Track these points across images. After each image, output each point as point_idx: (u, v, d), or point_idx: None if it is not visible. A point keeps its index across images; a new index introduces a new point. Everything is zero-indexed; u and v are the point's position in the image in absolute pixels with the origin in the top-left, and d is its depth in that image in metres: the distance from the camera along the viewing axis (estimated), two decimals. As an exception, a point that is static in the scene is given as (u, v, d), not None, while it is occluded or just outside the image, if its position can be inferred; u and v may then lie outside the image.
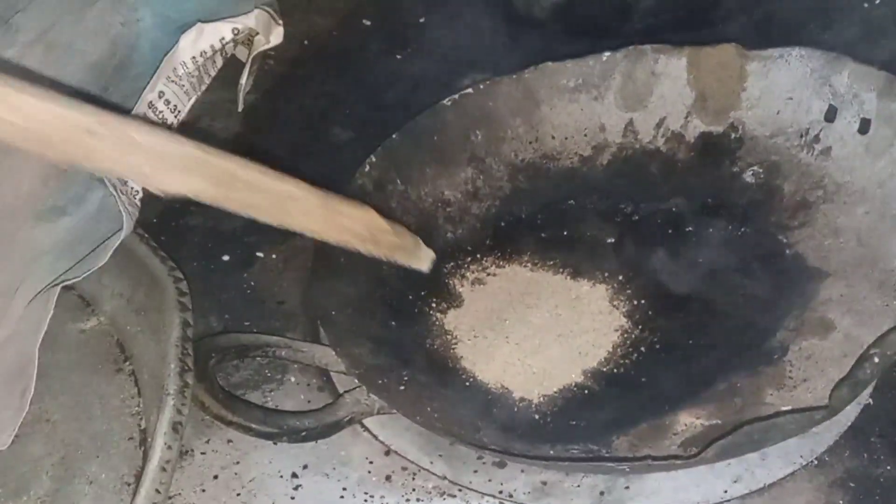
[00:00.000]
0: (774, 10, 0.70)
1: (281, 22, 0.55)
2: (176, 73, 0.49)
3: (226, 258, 0.59)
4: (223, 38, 0.51)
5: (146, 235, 0.50)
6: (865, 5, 0.71)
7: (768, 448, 0.47)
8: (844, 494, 0.45)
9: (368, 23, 0.76)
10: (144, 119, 0.35)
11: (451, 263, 0.58)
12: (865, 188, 0.53)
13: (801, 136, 0.56)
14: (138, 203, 0.49)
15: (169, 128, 0.47)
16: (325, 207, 0.41)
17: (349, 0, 0.77)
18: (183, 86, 0.50)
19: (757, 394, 0.48)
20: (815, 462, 0.47)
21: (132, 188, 0.49)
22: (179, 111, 0.50)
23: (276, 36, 0.54)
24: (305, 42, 0.74)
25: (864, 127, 0.54)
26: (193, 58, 0.50)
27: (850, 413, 0.48)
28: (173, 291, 0.46)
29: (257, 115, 0.68)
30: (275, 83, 0.71)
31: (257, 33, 0.53)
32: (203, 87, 0.52)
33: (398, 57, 0.73)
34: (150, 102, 0.48)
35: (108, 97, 0.52)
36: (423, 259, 0.48)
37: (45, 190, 0.51)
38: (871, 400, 0.49)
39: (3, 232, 0.50)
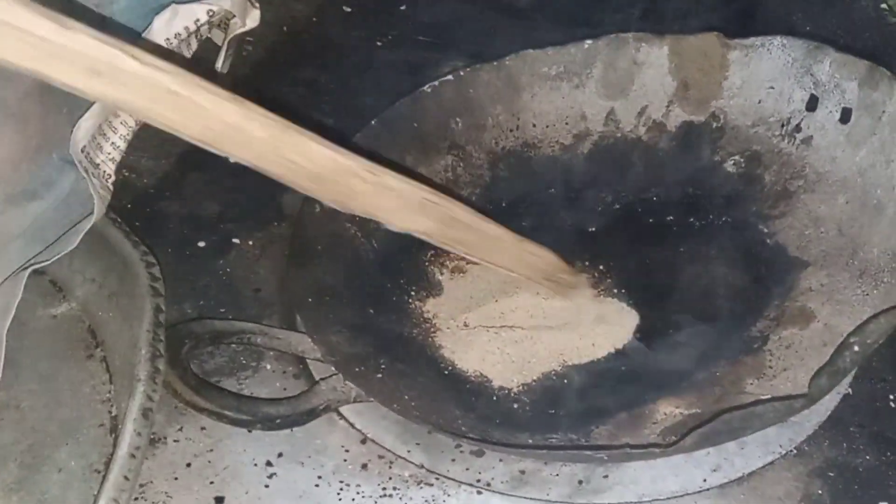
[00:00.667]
0: (758, 1, 0.70)
1: (257, 5, 0.54)
2: (151, 53, 0.48)
3: (201, 244, 0.58)
4: (198, 20, 0.50)
5: (119, 220, 0.49)
6: (847, -3, 0.71)
7: (747, 437, 0.46)
8: (823, 484, 0.45)
9: (349, 9, 0.75)
10: (397, 171, 0.41)
11: (431, 251, 0.57)
12: (846, 177, 0.53)
13: (783, 126, 0.56)
14: (110, 187, 0.48)
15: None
16: (519, 248, 0.49)
17: (329, -13, 0.77)
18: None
19: (737, 383, 0.48)
20: (795, 451, 0.46)
21: (104, 171, 0.48)
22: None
23: (253, 19, 0.53)
24: (284, 28, 0.73)
25: (846, 116, 0.53)
26: (167, 39, 0.49)
27: (829, 402, 0.48)
28: (146, 276, 0.45)
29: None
30: (253, 69, 0.70)
31: (233, 16, 0.52)
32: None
33: (378, 44, 0.72)
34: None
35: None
36: (585, 295, 0.53)
37: (17, 174, 0.50)
38: (850, 390, 0.49)
39: (-27, 217, 0.49)
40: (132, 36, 0.49)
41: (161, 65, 0.34)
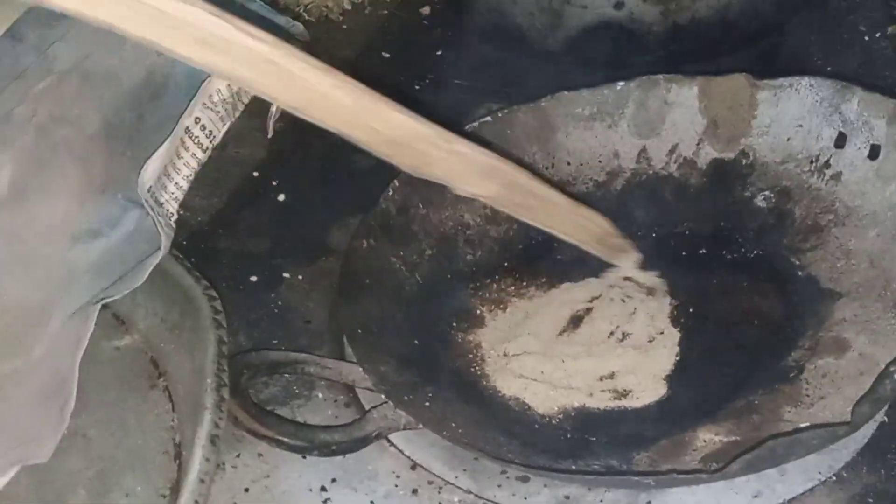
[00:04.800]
0: (780, 43, 0.71)
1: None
2: (211, 99, 0.49)
3: (253, 279, 0.58)
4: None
5: (180, 256, 0.50)
6: (866, 38, 0.72)
7: (787, 464, 0.46)
8: (863, 509, 0.45)
9: (387, 55, 0.76)
10: (465, 135, 0.43)
11: (472, 285, 0.57)
12: (876, 211, 0.53)
13: (812, 162, 0.56)
14: (173, 225, 0.49)
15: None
16: (574, 213, 0.49)
17: (369, 33, 0.77)
18: (218, 112, 0.49)
19: (775, 411, 0.47)
20: (834, 478, 0.46)
21: (168, 210, 0.48)
22: (215, 136, 0.50)
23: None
24: (326, 73, 0.74)
25: (874, 153, 0.53)
26: (228, 84, 0.50)
27: (866, 430, 0.47)
28: (208, 309, 0.46)
29: (281, 142, 0.68)
30: (298, 111, 0.70)
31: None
32: (237, 114, 0.51)
33: (416, 87, 0.73)
34: (187, 128, 0.48)
35: (144, 124, 0.52)
36: (631, 261, 0.55)
37: (81, 212, 0.51)
38: (885, 418, 0.48)
39: (39, 254, 0.50)
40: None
41: (262, 35, 0.35)
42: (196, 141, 0.48)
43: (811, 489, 0.46)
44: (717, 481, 0.45)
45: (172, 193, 0.48)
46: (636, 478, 0.45)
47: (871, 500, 0.45)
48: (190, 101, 0.48)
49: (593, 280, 0.57)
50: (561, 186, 0.49)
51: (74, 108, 0.52)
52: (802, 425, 0.44)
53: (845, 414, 0.41)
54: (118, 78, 0.52)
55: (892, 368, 0.40)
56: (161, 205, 0.48)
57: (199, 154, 0.48)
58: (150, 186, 0.46)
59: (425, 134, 0.40)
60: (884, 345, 0.47)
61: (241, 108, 0.51)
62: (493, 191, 0.44)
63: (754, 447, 0.41)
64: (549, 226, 0.49)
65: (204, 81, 0.48)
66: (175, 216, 0.49)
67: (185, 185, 0.48)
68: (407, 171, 0.42)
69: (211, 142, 0.49)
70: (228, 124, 0.51)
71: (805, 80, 0.56)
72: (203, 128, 0.49)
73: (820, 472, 0.46)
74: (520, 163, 0.59)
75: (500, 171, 0.44)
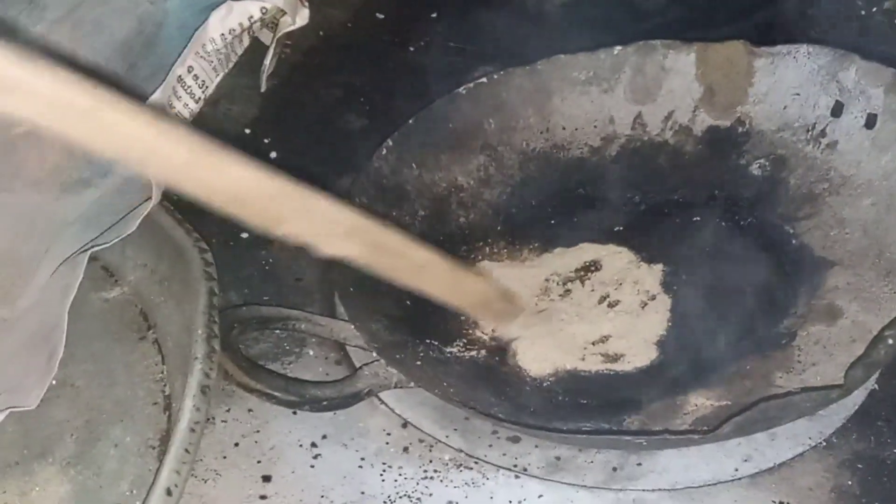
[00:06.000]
0: (778, 15, 0.70)
1: (307, 4, 0.54)
2: (205, 49, 0.48)
3: (245, 236, 0.58)
4: (251, 17, 0.49)
5: (171, 207, 0.49)
6: (862, 13, 0.71)
7: (777, 430, 0.46)
8: (852, 475, 0.45)
9: (382, 16, 0.75)
10: (322, 192, 0.38)
11: (464, 247, 0.57)
12: (871, 181, 0.52)
13: (808, 131, 0.56)
14: (164, 176, 0.48)
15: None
16: (452, 275, 0.45)
17: (363, -6, 0.77)
18: (211, 62, 0.48)
19: (766, 377, 0.47)
20: (824, 444, 0.46)
21: (159, 161, 0.48)
22: (207, 86, 0.49)
23: (302, 17, 0.53)
24: (321, 33, 0.73)
25: (871, 122, 0.53)
26: (222, 35, 0.49)
27: (856, 397, 0.47)
28: (199, 261, 0.45)
29: (274, 101, 0.67)
30: (291, 71, 0.70)
31: (284, 13, 0.52)
32: (230, 65, 0.51)
33: (411, 49, 0.72)
34: (180, 76, 0.47)
35: (136, 73, 0.51)
36: (516, 324, 0.51)
37: (71, 163, 0.50)
38: (876, 385, 0.48)
39: (28, 204, 0.49)
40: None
41: (72, 79, 0.30)
42: (189, 91, 0.47)
43: (801, 454, 0.46)
44: (708, 443, 0.45)
45: (165, 144, 0.47)
46: (627, 438, 0.45)
47: (860, 466, 0.45)
48: (182, 50, 0.47)
49: (586, 245, 0.56)
50: (438, 247, 0.44)
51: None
52: (796, 388, 0.43)
53: (837, 379, 0.41)
54: (109, 27, 0.51)
55: (886, 333, 0.40)
56: (153, 155, 0.47)
57: (192, 104, 0.48)
58: (143, 135, 0.45)
59: (276, 190, 0.35)
60: (876, 312, 0.47)
61: (234, 59, 0.51)
62: (359, 252, 0.40)
63: (746, 409, 0.41)
64: (425, 288, 0.44)
65: (197, 30, 0.47)
66: (167, 167, 0.48)
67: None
68: (260, 231, 0.38)
69: (203, 92, 0.48)
70: (222, 75, 0.50)
71: (803, 48, 0.56)
72: (196, 77, 0.48)
73: (810, 438, 0.46)
74: (510, 126, 0.59)
75: (365, 230, 0.40)
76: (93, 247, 0.45)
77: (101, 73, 0.50)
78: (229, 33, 0.49)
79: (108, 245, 0.45)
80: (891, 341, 0.40)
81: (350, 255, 0.39)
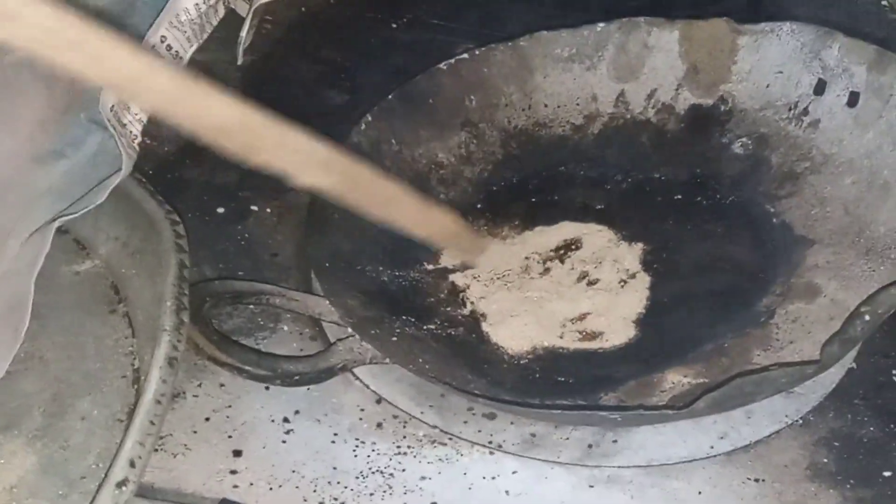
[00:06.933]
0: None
1: (283, -26, 0.53)
2: (178, 18, 0.47)
3: (220, 210, 0.57)
4: (226, -14, 0.49)
5: (143, 180, 0.48)
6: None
7: (754, 407, 0.45)
8: (829, 453, 0.44)
9: (365, -7, 0.74)
10: (299, 126, 0.39)
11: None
12: (853, 159, 0.52)
13: (790, 109, 0.55)
14: (136, 147, 0.47)
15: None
16: (421, 210, 0.46)
17: (346, -30, 0.75)
18: (185, 32, 0.47)
19: (744, 354, 0.47)
20: (801, 422, 0.46)
21: (131, 132, 0.47)
22: (181, 57, 0.48)
23: (279, -12, 0.52)
24: (302, 8, 0.72)
25: (853, 100, 0.52)
26: (196, 4, 0.48)
27: (834, 376, 0.47)
28: (170, 233, 0.44)
29: (254, 76, 0.66)
30: (272, 47, 0.69)
31: (260, -16, 0.51)
32: (205, 36, 0.50)
33: (393, 25, 0.71)
34: (153, 46, 0.46)
35: (109, 42, 0.50)
36: (479, 258, 0.53)
37: (44, 134, 0.49)
38: (854, 364, 0.48)
39: (0, 176, 0.48)
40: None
41: (68, 12, 0.32)
42: (162, 61, 0.46)
43: (777, 432, 0.45)
44: (683, 419, 0.44)
45: (136, 115, 0.46)
46: (602, 413, 0.44)
47: (836, 444, 0.45)
48: (155, 19, 0.46)
49: (566, 223, 0.56)
50: (408, 182, 0.47)
51: (37, 25, 0.50)
52: (772, 363, 0.43)
53: (814, 356, 0.41)
54: (84, -3, 0.50)
55: (862, 309, 0.40)
56: (124, 125, 0.46)
57: (166, 75, 0.47)
58: (113, 105, 0.45)
59: (253, 122, 0.38)
60: (855, 290, 0.47)
61: (209, 29, 0.50)
62: (330, 184, 0.41)
63: (722, 384, 0.40)
64: (394, 222, 0.46)
65: (170, 0, 0.46)
66: (138, 138, 0.47)
67: (149, 106, 0.47)
68: (238, 159, 0.39)
69: (177, 62, 0.47)
70: (196, 45, 0.49)
71: (787, 26, 0.55)
72: (169, 48, 0.47)
73: (787, 416, 0.46)
74: (492, 103, 0.59)
75: (337, 163, 0.41)
76: (62, 216, 0.44)
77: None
78: (204, 3, 0.48)
79: (76, 215, 0.44)
80: (867, 318, 0.40)
81: (324, 186, 0.41)
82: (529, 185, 0.58)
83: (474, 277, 0.53)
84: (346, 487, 0.43)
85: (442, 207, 0.48)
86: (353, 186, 0.42)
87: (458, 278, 0.53)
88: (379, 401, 0.47)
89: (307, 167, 0.40)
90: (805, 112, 0.55)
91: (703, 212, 0.55)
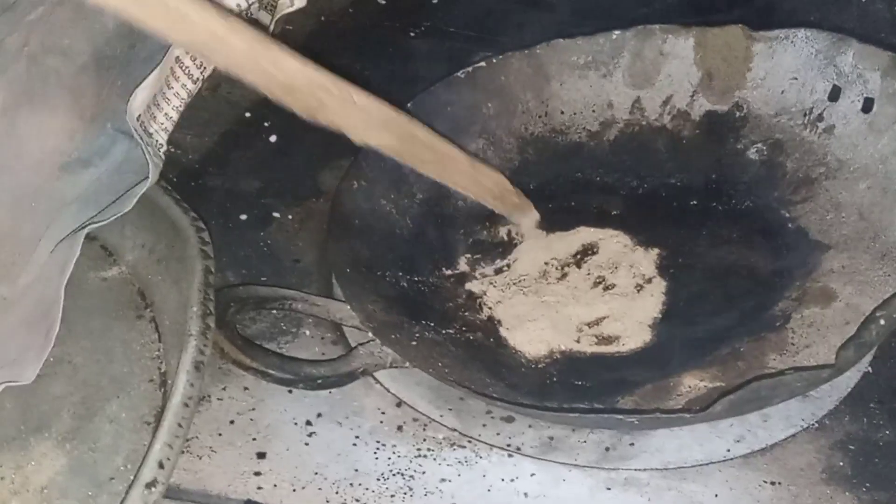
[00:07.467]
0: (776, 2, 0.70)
1: (305, -15, 0.53)
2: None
3: (243, 217, 0.58)
4: (250, -2, 0.49)
5: (169, 187, 0.49)
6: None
7: (770, 411, 0.46)
8: (844, 456, 0.45)
9: (383, 2, 0.75)
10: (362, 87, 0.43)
11: (462, 230, 0.57)
12: (867, 164, 0.52)
13: (805, 115, 0.56)
14: (162, 156, 0.48)
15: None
16: (472, 168, 0.49)
17: (365, -20, 0.76)
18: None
19: (760, 358, 0.47)
20: (816, 425, 0.46)
21: (157, 141, 0.48)
22: (205, 67, 0.49)
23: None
24: (322, 18, 0.73)
25: (868, 106, 0.53)
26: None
27: (849, 380, 0.47)
28: (196, 240, 0.45)
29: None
30: (292, 56, 0.70)
31: (282, -5, 0.52)
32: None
33: (412, 34, 0.72)
34: (178, 57, 0.47)
35: (135, 54, 0.51)
36: (530, 219, 0.55)
37: (71, 144, 0.50)
38: (869, 368, 0.48)
39: (28, 184, 0.49)
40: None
41: None
42: (186, 71, 0.47)
43: (793, 435, 0.46)
44: (700, 423, 0.45)
45: (162, 124, 0.47)
46: (619, 417, 0.45)
47: (852, 448, 0.45)
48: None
49: (583, 229, 0.56)
50: (461, 144, 0.49)
51: (65, 37, 0.50)
52: (788, 367, 0.43)
53: (830, 360, 0.41)
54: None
55: (878, 314, 0.40)
56: (150, 135, 0.47)
57: (190, 85, 0.47)
58: (140, 115, 0.46)
59: (320, 81, 0.40)
60: (870, 295, 0.47)
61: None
62: (390, 142, 0.44)
63: (738, 388, 0.41)
64: (448, 180, 0.49)
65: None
66: (164, 147, 0.48)
67: (174, 115, 0.47)
68: (303, 116, 0.42)
69: (202, 73, 0.48)
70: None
71: (801, 32, 0.56)
72: (193, 58, 0.48)
73: (802, 419, 0.46)
74: (509, 110, 0.59)
75: (397, 123, 0.44)
76: (90, 224, 0.45)
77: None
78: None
79: (105, 223, 0.45)
80: (882, 322, 0.40)
81: (383, 144, 0.43)
82: (546, 191, 0.59)
83: (491, 283, 0.54)
84: (367, 489, 0.44)
85: (491, 167, 0.51)
86: (411, 145, 0.45)
87: (474, 285, 0.54)
88: (399, 404, 0.48)
89: (369, 126, 0.42)
90: (820, 118, 0.55)
91: (718, 217, 0.55)
